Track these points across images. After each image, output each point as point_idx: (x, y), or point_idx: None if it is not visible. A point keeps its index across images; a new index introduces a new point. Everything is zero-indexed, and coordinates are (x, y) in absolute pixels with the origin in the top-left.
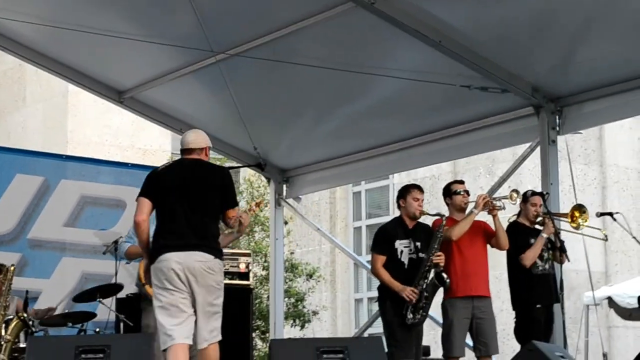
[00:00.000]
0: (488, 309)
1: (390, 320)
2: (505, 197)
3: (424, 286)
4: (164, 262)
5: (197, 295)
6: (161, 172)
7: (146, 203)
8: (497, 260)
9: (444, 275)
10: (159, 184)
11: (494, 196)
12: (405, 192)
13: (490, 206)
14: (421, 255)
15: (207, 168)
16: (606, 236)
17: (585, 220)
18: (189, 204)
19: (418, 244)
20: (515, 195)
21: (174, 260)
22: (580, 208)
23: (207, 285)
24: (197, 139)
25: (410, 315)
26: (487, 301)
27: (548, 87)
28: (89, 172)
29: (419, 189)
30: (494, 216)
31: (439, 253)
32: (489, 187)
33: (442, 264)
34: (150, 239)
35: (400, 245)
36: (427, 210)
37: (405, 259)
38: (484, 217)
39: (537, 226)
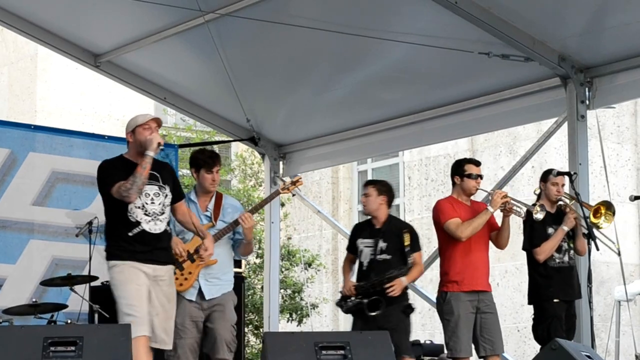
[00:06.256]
0: (492, 303)
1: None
2: (528, 206)
3: (360, 296)
4: None
5: None
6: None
7: None
8: (517, 250)
9: (381, 305)
10: None
11: (516, 198)
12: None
13: (507, 207)
14: (386, 257)
15: None
16: (619, 251)
17: (609, 222)
18: None
19: (384, 245)
20: (539, 209)
21: None
22: (609, 207)
23: None
24: None
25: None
26: (490, 295)
27: (577, 55)
28: (61, 145)
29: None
30: (506, 216)
31: (394, 283)
32: (510, 166)
33: (395, 295)
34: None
35: (362, 244)
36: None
37: (365, 259)
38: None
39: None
